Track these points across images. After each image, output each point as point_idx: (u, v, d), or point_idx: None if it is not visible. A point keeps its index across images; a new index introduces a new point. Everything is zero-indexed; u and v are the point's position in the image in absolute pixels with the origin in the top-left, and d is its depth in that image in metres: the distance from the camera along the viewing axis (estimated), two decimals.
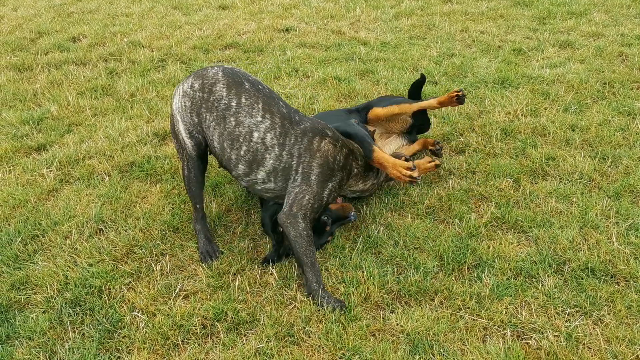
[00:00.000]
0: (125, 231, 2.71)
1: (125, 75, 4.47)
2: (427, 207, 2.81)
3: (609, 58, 4.38)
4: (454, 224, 2.68)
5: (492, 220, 2.70)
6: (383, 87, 4.08)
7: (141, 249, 2.59)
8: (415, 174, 2.42)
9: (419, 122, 3.24)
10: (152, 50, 4.98)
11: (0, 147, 3.44)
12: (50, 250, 2.61)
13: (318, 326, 2.15)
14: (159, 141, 3.52)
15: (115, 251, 2.57)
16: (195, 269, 2.48)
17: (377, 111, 3.08)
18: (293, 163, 2.37)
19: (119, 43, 5.15)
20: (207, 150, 2.56)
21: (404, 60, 4.54)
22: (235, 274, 2.44)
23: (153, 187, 3.06)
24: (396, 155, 2.69)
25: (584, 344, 2.04)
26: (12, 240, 2.65)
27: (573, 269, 2.38)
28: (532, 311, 2.19)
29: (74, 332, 2.18)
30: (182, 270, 2.49)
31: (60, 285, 2.39)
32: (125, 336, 2.15)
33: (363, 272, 2.39)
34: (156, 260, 2.54)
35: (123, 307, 2.28)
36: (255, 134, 2.36)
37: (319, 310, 2.22)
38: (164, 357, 2.07)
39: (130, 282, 2.41)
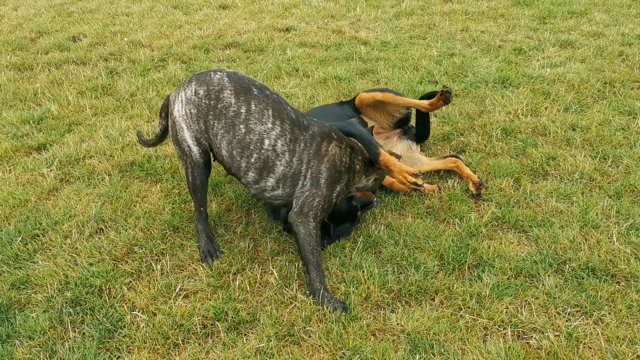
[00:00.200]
0: (126, 231, 2.71)
1: (126, 74, 4.47)
2: (427, 206, 2.81)
3: (610, 58, 4.38)
4: (455, 224, 2.68)
5: (492, 220, 2.69)
6: (383, 86, 4.07)
7: (141, 249, 2.59)
8: (419, 181, 2.42)
9: (420, 128, 3.23)
10: (153, 50, 4.98)
11: (1, 147, 3.44)
12: (50, 250, 2.61)
13: (318, 326, 2.15)
14: None
15: (115, 251, 2.57)
16: (196, 269, 2.48)
17: (362, 95, 3.04)
18: (302, 168, 2.37)
19: (119, 42, 5.15)
20: (211, 156, 2.52)
21: (404, 59, 4.54)
22: (235, 274, 2.44)
23: (153, 187, 3.06)
24: (370, 130, 2.69)
25: (584, 344, 2.04)
26: (12, 240, 2.65)
27: (573, 268, 2.38)
28: (533, 311, 2.19)
29: (75, 331, 2.18)
30: (183, 270, 2.49)
31: (61, 284, 2.39)
32: (125, 336, 2.15)
33: (363, 271, 2.39)
34: (156, 259, 2.54)
35: (123, 306, 2.28)
36: (267, 141, 2.33)
37: (319, 309, 2.22)
38: (165, 357, 2.07)
39: (130, 281, 2.41)
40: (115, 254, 2.55)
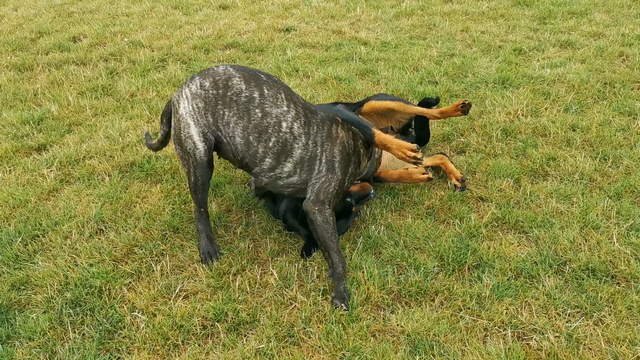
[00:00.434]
0: (126, 231, 2.71)
1: (126, 75, 4.47)
2: (427, 207, 2.81)
3: (610, 58, 4.38)
4: (455, 224, 2.68)
5: (492, 221, 2.69)
6: (383, 87, 4.07)
7: (141, 249, 2.59)
8: (419, 155, 2.44)
9: (419, 133, 3.22)
10: (153, 50, 4.98)
11: (1, 147, 3.44)
12: (50, 251, 2.61)
13: (318, 327, 2.15)
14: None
15: (115, 251, 2.57)
16: (196, 269, 2.48)
17: (373, 104, 3.03)
18: (318, 152, 2.38)
19: (120, 43, 5.15)
20: (214, 155, 2.50)
21: (404, 60, 4.54)
22: (235, 275, 2.44)
23: (153, 187, 3.06)
24: (385, 130, 2.69)
25: (584, 345, 2.04)
26: (12, 241, 2.65)
27: (574, 269, 2.38)
28: (533, 312, 2.19)
29: (74, 332, 2.18)
30: (183, 271, 2.49)
31: (61, 285, 2.39)
32: (125, 336, 2.15)
33: (363, 272, 2.39)
34: (156, 260, 2.54)
35: (123, 307, 2.28)
36: (284, 124, 2.33)
37: (319, 310, 2.22)
38: (164, 358, 2.07)
39: (130, 282, 2.41)
40: (115, 254, 2.55)
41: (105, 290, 2.36)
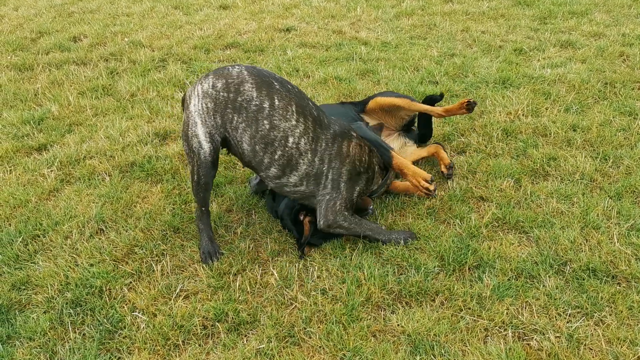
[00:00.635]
0: (126, 231, 2.71)
1: (126, 75, 4.47)
2: (427, 207, 2.81)
3: (610, 58, 4.37)
4: (455, 225, 2.68)
5: (493, 221, 2.69)
6: (384, 87, 4.07)
7: (142, 249, 2.58)
8: (432, 187, 2.48)
9: (422, 129, 3.23)
10: (153, 50, 4.98)
11: (1, 147, 3.44)
12: (51, 251, 2.61)
13: (319, 327, 2.15)
14: (159, 141, 3.52)
15: (115, 251, 2.57)
16: (196, 269, 2.48)
17: (379, 100, 3.07)
18: (324, 168, 2.40)
19: (120, 43, 5.15)
20: (220, 152, 2.48)
21: (404, 60, 4.54)
22: (235, 275, 2.44)
23: (154, 187, 3.06)
24: (379, 128, 2.72)
25: (585, 345, 2.04)
26: (12, 241, 2.65)
27: (574, 269, 2.37)
28: (533, 312, 2.19)
29: (75, 332, 2.18)
30: (183, 271, 2.49)
31: (61, 285, 2.39)
32: (125, 336, 2.15)
33: (364, 272, 2.39)
34: (157, 260, 2.54)
35: (124, 307, 2.28)
36: (291, 139, 2.32)
37: (319, 310, 2.22)
38: (165, 358, 2.07)
39: (130, 282, 2.41)
40: (116, 254, 2.55)
41: (106, 290, 2.36)
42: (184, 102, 2.56)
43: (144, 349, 2.09)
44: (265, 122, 2.30)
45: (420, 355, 2.02)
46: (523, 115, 3.61)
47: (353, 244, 2.59)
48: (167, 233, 2.70)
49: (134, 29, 5.53)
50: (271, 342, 2.09)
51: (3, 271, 2.49)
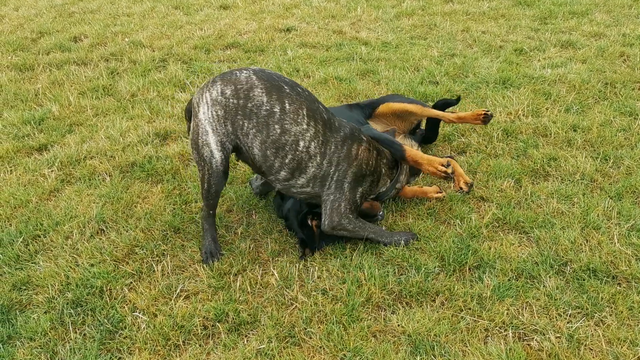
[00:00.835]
0: (127, 231, 2.71)
1: (127, 75, 4.47)
2: (428, 207, 2.81)
3: (611, 58, 4.37)
4: (455, 225, 2.68)
5: (493, 221, 2.69)
6: (384, 87, 4.07)
7: (142, 250, 2.59)
8: (449, 170, 2.50)
9: (428, 132, 3.24)
10: (153, 50, 4.99)
11: (2, 147, 3.44)
12: (51, 251, 2.61)
13: (319, 327, 2.15)
14: (160, 141, 3.52)
15: (116, 251, 2.57)
16: (196, 270, 2.48)
17: (392, 105, 3.07)
18: (331, 171, 2.41)
19: (120, 43, 5.15)
20: (229, 163, 2.46)
21: (405, 60, 4.54)
22: (236, 275, 2.44)
23: (154, 188, 3.06)
24: (391, 133, 2.75)
25: (585, 345, 2.04)
26: (13, 241, 2.65)
27: (574, 270, 2.37)
28: (534, 312, 2.19)
29: (75, 332, 2.18)
30: (183, 271, 2.49)
31: (62, 285, 2.39)
32: (126, 337, 2.16)
33: (364, 272, 2.39)
34: (157, 260, 2.54)
35: (124, 307, 2.28)
36: (301, 143, 2.32)
37: (320, 311, 2.22)
38: (165, 358, 2.07)
39: (131, 282, 2.41)
40: (116, 254, 2.55)
41: (106, 291, 2.36)
42: (187, 112, 2.51)
43: (145, 349, 2.09)
44: (277, 126, 2.29)
45: (421, 356, 2.02)
46: (523, 115, 3.61)
47: (353, 244, 2.59)
48: (167, 233, 2.70)
49: (135, 29, 5.53)
50: (271, 342, 2.10)
51: (4, 271, 2.49)
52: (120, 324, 2.20)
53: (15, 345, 2.14)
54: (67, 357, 2.07)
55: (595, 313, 2.17)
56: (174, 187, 3.05)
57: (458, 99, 3.19)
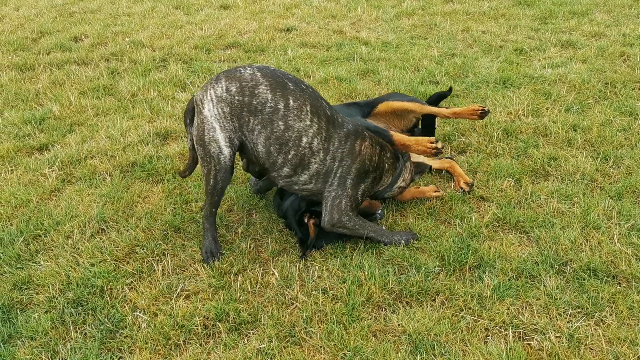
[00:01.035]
0: (127, 231, 2.71)
1: (127, 75, 4.47)
2: (428, 207, 2.81)
3: (611, 58, 4.37)
4: (455, 224, 2.68)
5: (493, 221, 2.69)
6: (384, 87, 4.08)
7: (143, 249, 2.59)
8: (439, 145, 2.53)
9: (426, 130, 3.24)
10: (154, 50, 4.99)
11: (3, 147, 3.45)
12: (52, 250, 2.61)
13: (319, 326, 2.16)
14: (160, 141, 3.52)
15: (117, 251, 2.58)
16: (197, 269, 2.48)
17: (392, 104, 3.08)
18: (335, 166, 2.41)
19: (121, 43, 5.16)
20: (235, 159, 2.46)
21: (405, 60, 4.54)
22: (236, 274, 2.44)
23: (154, 187, 3.06)
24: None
25: (585, 345, 2.04)
26: (14, 240, 2.66)
27: (575, 269, 2.38)
28: (534, 312, 2.19)
29: (76, 332, 2.19)
30: (184, 270, 2.49)
31: (63, 285, 2.39)
32: (127, 336, 2.16)
33: (364, 272, 2.39)
34: (158, 260, 2.54)
35: (125, 307, 2.28)
36: (304, 139, 2.33)
37: (320, 310, 2.22)
38: (166, 357, 2.08)
39: (132, 282, 2.42)
40: (117, 254, 2.55)
41: (107, 290, 2.36)
42: (187, 113, 2.49)
43: (145, 349, 2.10)
44: (280, 122, 2.30)
45: (421, 355, 2.03)
46: (523, 115, 3.62)
47: (354, 244, 2.59)
48: (168, 233, 2.70)
49: (135, 29, 5.54)
50: (272, 341, 2.10)
51: (5, 271, 2.50)
52: (121, 323, 2.21)
53: (16, 344, 2.14)
54: (67, 356, 2.07)
55: (596, 312, 2.17)
56: (175, 186, 3.05)
57: (450, 90, 3.24)
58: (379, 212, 2.70)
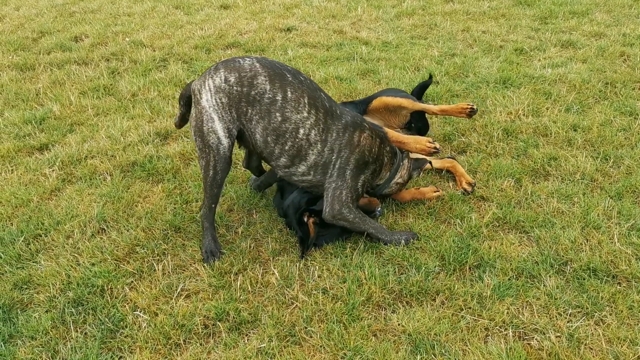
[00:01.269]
0: (127, 231, 2.71)
1: (127, 74, 4.47)
2: (428, 207, 2.82)
3: (611, 58, 4.38)
4: (455, 224, 2.68)
5: (493, 221, 2.70)
6: (384, 86, 4.08)
7: (143, 249, 2.59)
8: (437, 144, 2.55)
9: (418, 124, 3.25)
10: (154, 50, 4.99)
11: (3, 147, 3.45)
12: (52, 250, 2.61)
13: (320, 326, 2.16)
14: (160, 141, 3.52)
15: (117, 251, 2.58)
16: (197, 269, 2.49)
17: (385, 99, 3.12)
18: (333, 158, 2.42)
19: (121, 43, 5.16)
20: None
21: (405, 60, 4.54)
22: (236, 274, 2.44)
23: (155, 187, 3.07)
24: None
25: (585, 345, 2.05)
26: (14, 240, 2.66)
27: (575, 269, 2.38)
28: (534, 311, 2.19)
29: (77, 331, 2.19)
30: (184, 270, 2.49)
31: (63, 284, 2.39)
32: (127, 336, 2.16)
33: (364, 272, 2.39)
34: (158, 259, 2.54)
35: (125, 306, 2.28)
36: (301, 131, 2.34)
37: (320, 310, 2.22)
38: (166, 357, 2.08)
39: (132, 281, 2.42)
40: (117, 254, 2.56)
41: (107, 290, 2.37)
42: (182, 97, 2.49)
43: (146, 348, 2.10)
44: (278, 114, 2.31)
45: (421, 355, 2.03)
46: (524, 115, 3.62)
47: (354, 243, 2.59)
48: (168, 232, 2.70)
49: (135, 29, 5.54)
50: (272, 341, 2.10)
51: (5, 270, 2.50)
52: (121, 322, 2.21)
53: (17, 344, 2.14)
54: (68, 356, 2.08)
55: (596, 312, 2.17)
56: (175, 186, 3.05)
57: (430, 78, 3.35)
58: (378, 209, 2.71)
